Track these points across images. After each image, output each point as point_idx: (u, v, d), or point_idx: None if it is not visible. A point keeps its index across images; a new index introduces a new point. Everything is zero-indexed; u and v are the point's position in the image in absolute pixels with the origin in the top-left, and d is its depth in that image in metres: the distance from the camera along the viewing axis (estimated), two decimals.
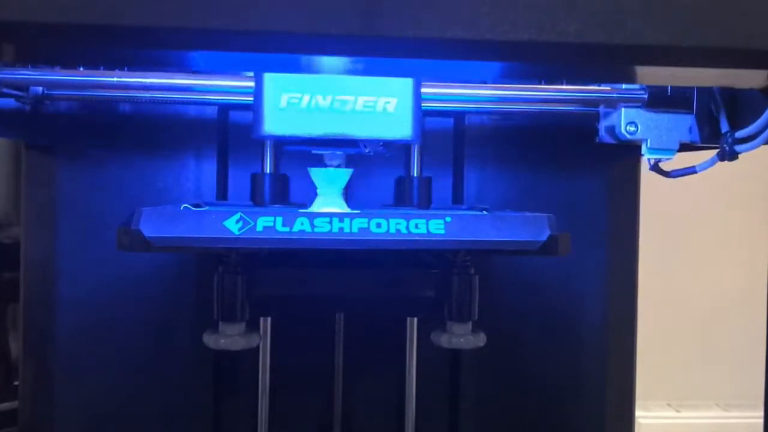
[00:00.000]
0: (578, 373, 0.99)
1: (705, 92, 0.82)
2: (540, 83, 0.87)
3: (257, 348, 0.85)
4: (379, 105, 0.71)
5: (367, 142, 0.74)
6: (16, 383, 1.02)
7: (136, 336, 0.93)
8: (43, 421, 0.94)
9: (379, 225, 0.65)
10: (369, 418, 0.98)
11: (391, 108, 0.71)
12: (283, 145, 0.84)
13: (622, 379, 1.02)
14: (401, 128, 0.72)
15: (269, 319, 0.89)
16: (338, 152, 0.77)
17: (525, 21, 0.51)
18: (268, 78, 0.70)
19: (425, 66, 0.62)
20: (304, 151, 0.80)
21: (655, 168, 0.84)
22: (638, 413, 1.15)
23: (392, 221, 0.66)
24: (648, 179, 0.97)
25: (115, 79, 0.80)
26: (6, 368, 1.39)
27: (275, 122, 0.71)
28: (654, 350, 1.74)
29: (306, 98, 0.70)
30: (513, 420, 0.99)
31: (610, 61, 0.57)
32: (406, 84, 0.71)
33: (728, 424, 1.98)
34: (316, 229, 0.64)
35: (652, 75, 0.67)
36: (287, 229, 0.64)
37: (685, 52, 0.53)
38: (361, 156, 0.79)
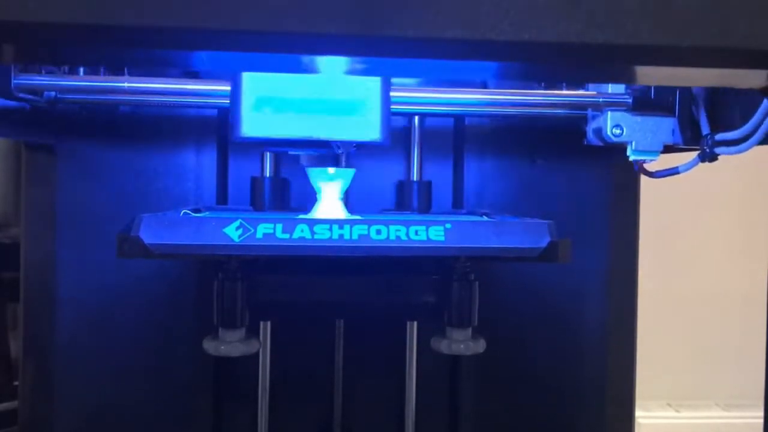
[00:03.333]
0: (578, 374, 1.00)
1: (687, 95, 0.84)
2: (539, 85, 0.87)
3: (257, 352, 0.85)
4: (349, 106, 0.71)
5: (339, 143, 0.74)
6: (16, 383, 1.02)
7: (136, 336, 0.93)
8: (43, 421, 0.94)
9: (379, 232, 0.65)
10: (369, 422, 0.98)
11: (360, 110, 0.72)
12: (261, 146, 0.85)
13: (622, 379, 1.02)
14: (370, 130, 0.72)
15: (269, 323, 0.89)
16: (313, 153, 0.78)
17: (525, 21, 0.51)
18: (245, 78, 0.71)
19: (425, 66, 0.62)
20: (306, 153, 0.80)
21: (641, 169, 0.86)
22: (638, 413, 1.15)
23: (392, 228, 0.66)
24: (648, 178, 0.97)
25: (125, 84, 0.82)
26: (6, 368, 1.39)
27: (251, 125, 0.72)
28: (654, 350, 1.73)
29: (279, 100, 0.71)
30: (513, 420, 0.99)
31: (610, 61, 0.57)
32: (374, 83, 0.72)
33: (728, 424, 1.98)
34: (316, 236, 0.65)
35: (652, 75, 0.67)
36: (287, 236, 0.64)
37: (685, 52, 0.53)
38: (361, 158, 0.79)
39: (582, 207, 0.98)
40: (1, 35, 0.51)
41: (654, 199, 1.16)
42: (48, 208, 0.92)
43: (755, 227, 2.01)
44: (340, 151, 0.76)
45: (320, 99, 0.72)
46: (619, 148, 0.87)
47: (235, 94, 0.72)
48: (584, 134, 0.91)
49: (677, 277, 2.04)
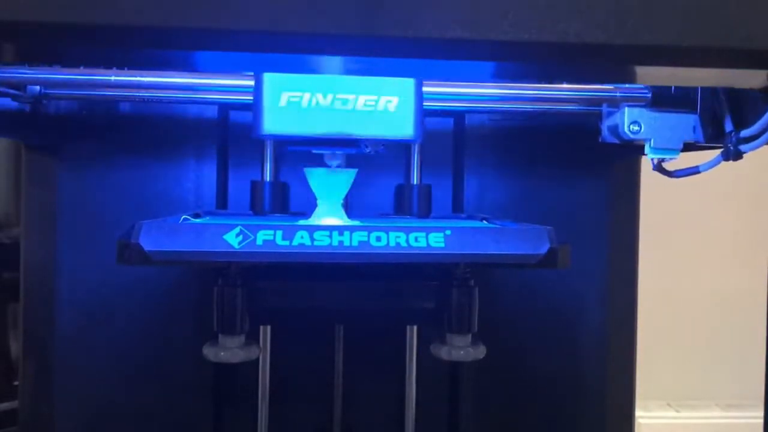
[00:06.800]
0: (579, 374, 0.99)
1: (709, 91, 0.81)
2: (541, 83, 0.87)
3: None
4: (380, 104, 0.71)
5: (368, 142, 0.73)
6: (16, 383, 1.02)
7: (136, 336, 0.93)
8: (43, 421, 0.94)
9: (378, 238, 0.65)
10: (369, 427, 0.97)
11: (392, 107, 0.71)
12: (284, 144, 0.84)
13: (622, 379, 1.01)
14: (403, 127, 0.71)
15: (269, 328, 0.89)
16: (338, 152, 0.77)
17: (525, 21, 0.51)
18: (268, 77, 0.70)
19: (425, 66, 0.62)
20: (307, 154, 0.80)
21: (659, 168, 0.84)
22: (638, 413, 1.15)
23: (392, 234, 0.65)
24: (648, 179, 0.97)
25: (113, 77, 0.80)
26: (6, 368, 1.39)
27: (275, 121, 0.70)
28: (654, 350, 1.74)
29: (306, 97, 0.70)
30: (514, 420, 0.99)
31: (610, 61, 0.57)
32: (407, 83, 0.71)
33: (728, 424, 1.98)
34: (315, 243, 0.64)
35: (652, 75, 0.67)
36: (287, 242, 0.64)
37: (685, 52, 0.53)
38: (360, 158, 0.79)
39: (582, 207, 0.98)
40: (0, 35, 0.51)
41: (654, 199, 1.16)
42: (48, 208, 0.92)
43: (755, 227, 2.01)
44: (368, 150, 0.75)
45: (349, 96, 0.70)
46: (621, 147, 0.87)
47: (257, 92, 0.71)
48: (590, 132, 0.89)
49: (677, 277, 2.04)
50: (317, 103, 0.70)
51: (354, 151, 0.76)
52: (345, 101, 0.70)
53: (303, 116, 0.70)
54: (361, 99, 0.70)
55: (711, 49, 0.53)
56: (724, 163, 0.80)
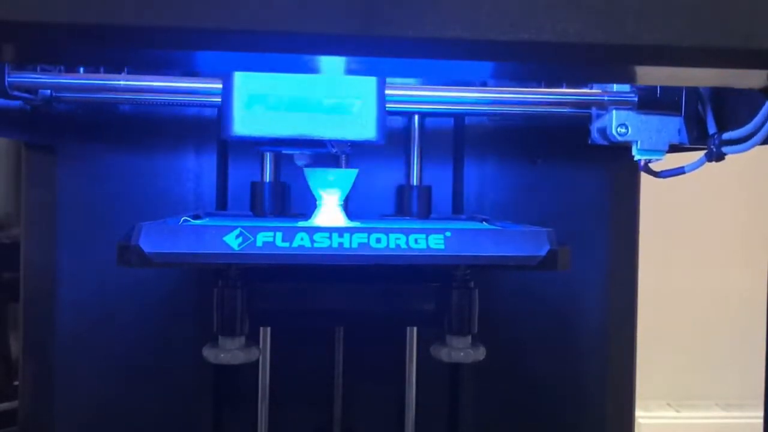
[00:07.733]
0: (579, 374, 0.99)
1: (693, 94, 0.83)
2: (540, 85, 0.87)
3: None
4: (343, 106, 0.71)
5: (333, 143, 0.74)
6: (16, 383, 1.02)
7: (136, 337, 0.93)
8: (43, 421, 0.94)
9: (378, 240, 0.65)
10: (368, 428, 0.97)
11: (355, 109, 0.71)
12: (253, 146, 0.85)
13: (622, 379, 1.02)
14: (365, 129, 0.72)
15: (269, 329, 0.89)
16: (306, 152, 0.77)
17: (525, 21, 0.51)
18: (237, 77, 0.71)
19: (425, 66, 0.62)
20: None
21: (646, 168, 0.86)
22: (638, 413, 1.15)
23: (392, 236, 0.65)
24: (648, 178, 0.97)
25: (122, 82, 0.81)
26: (6, 368, 1.39)
27: (243, 123, 0.71)
28: (654, 350, 1.73)
29: (272, 99, 0.71)
30: (514, 420, 0.99)
31: (610, 61, 0.57)
32: (369, 84, 0.72)
33: (728, 424, 1.98)
34: (315, 245, 0.64)
35: (652, 75, 0.67)
36: (287, 244, 0.64)
37: (685, 52, 0.53)
38: (360, 160, 0.79)
39: (582, 207, 0.98)
40: (1, 35, 0.51)
41: (654, 199, 1.16)
42: (48, 209, 0.92)
43: (755, 227, 2.01)
44: (334, 151, 0.75)
45: (314, 98, 0.71)
46: (621, 148, 0.87)
47: (226, 93, 0.71)
48: (588, 133, 0.90)
49: (677, 277, 2.04)
50: (282, 104, 0.71)
51: (321, 151, 0.77)
52: (309, 103, 0.71)
53: (269, 118, 0.71)
54: (325, 101, 0.71)
55: (711, 49, 0.53)
56: (724, 163, 0.80)
